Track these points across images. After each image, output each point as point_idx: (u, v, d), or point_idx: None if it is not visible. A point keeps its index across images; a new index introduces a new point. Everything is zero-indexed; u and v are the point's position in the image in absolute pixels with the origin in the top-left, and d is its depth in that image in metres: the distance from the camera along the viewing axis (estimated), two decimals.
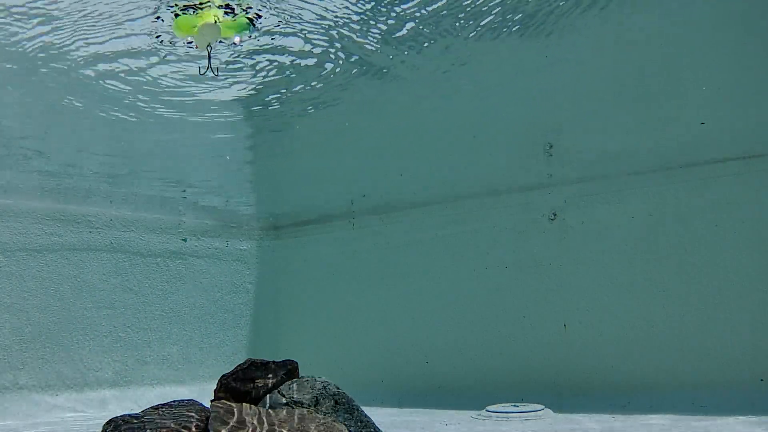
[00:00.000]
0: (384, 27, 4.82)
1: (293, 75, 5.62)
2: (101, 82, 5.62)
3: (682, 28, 4.87)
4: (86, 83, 5.58)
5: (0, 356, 8.07)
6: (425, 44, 5.23)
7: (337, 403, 4.57)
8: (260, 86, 5.89)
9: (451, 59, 5.46)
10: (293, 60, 5.28)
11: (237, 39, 4.60)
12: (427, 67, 5.67)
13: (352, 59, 5.36)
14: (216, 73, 4.83)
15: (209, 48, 4.55)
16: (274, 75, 5.61)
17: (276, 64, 5.37)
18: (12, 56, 5.11)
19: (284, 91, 5.95)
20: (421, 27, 4.98)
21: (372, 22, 4.81)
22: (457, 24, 4.92)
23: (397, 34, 4.96)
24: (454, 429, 6.30)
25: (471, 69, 5.68)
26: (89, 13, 4.58)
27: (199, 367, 9.79)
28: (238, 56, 5.19)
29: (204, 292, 10.04)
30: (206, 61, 4.66)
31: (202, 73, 4.74)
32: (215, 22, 4.32)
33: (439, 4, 4.63)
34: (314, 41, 5.12)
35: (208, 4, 4.22)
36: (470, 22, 4.90)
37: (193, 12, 4.23)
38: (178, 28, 4.38)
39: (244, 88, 5.88)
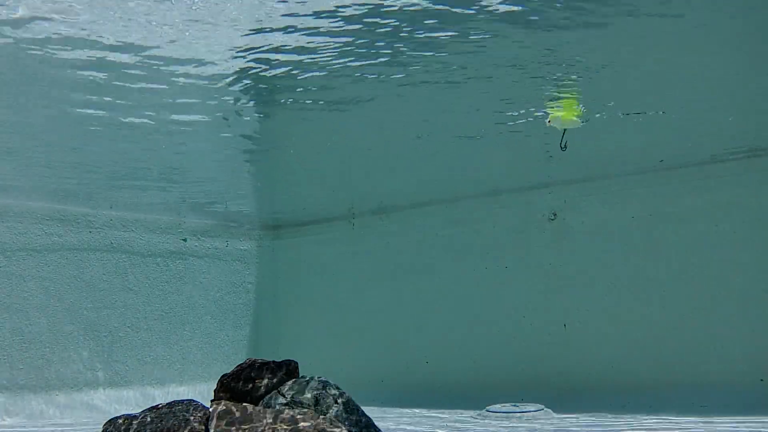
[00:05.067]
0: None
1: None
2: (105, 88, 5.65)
3: (681, 28, 4.87)
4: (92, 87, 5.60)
5: (0, 356, 8.07)
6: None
7: (337, 402, 4.57)
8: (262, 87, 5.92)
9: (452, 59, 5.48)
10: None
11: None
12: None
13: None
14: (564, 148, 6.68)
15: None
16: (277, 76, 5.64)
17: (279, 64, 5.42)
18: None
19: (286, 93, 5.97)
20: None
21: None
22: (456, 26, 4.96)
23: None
24: (454, 429, 6.31)
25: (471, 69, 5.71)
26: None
27: (199, 367, 9.79)
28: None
29: (204, 292, 10.03)
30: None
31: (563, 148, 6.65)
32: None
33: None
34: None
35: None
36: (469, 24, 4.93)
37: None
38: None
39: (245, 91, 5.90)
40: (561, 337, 8.25)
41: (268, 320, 10.61)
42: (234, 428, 4.18)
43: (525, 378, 8.25)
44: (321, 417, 4.34)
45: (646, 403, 7.20)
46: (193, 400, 4.67)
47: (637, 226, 7.97)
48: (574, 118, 6.13)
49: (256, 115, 6.44)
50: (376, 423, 4.76)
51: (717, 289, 7.45)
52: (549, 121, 6.19)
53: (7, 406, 7.92)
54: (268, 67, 5.39)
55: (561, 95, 5.89)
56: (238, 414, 4.30)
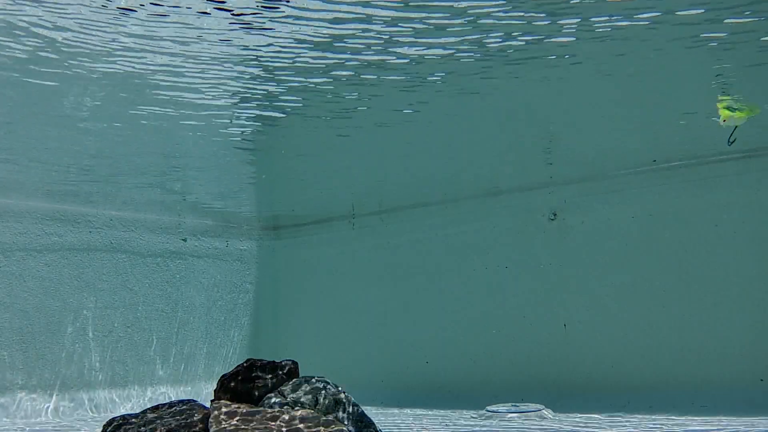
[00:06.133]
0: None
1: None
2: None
3: (679, 28, 4.88)
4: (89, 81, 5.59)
5: (0, 356, 8.07)
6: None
7: (337, 402, 4.58)
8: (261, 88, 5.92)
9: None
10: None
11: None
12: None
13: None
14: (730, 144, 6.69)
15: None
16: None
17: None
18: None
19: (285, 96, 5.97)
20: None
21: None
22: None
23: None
24: (454, 429, 6.31)
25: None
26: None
27: (199, 367, 9.79)
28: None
29: (204, 292, 10.03)
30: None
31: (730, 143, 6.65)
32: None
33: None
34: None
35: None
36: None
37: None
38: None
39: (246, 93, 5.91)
40: (561, 337, 8.25)
41: (268, 320, 10.61)
42: (233, 428, 4.18)
43: (525, 378, 8.25)
44: (321, 417, 4.34)
45: (646, 403, 7.20)
46: (193, 400, 4.68)
47: (637, 226, 7.96)
48: (749, 114, 6.25)
49: (257, 114, 6.44)
50: (376, 423, 4.76)
51: (717, 289, 7.45)
52: (723, 121, 6.23)
53: (7, 406, 7.92)
54: (270, 67, 5.40)
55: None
56: (237, 414, 4.30)
